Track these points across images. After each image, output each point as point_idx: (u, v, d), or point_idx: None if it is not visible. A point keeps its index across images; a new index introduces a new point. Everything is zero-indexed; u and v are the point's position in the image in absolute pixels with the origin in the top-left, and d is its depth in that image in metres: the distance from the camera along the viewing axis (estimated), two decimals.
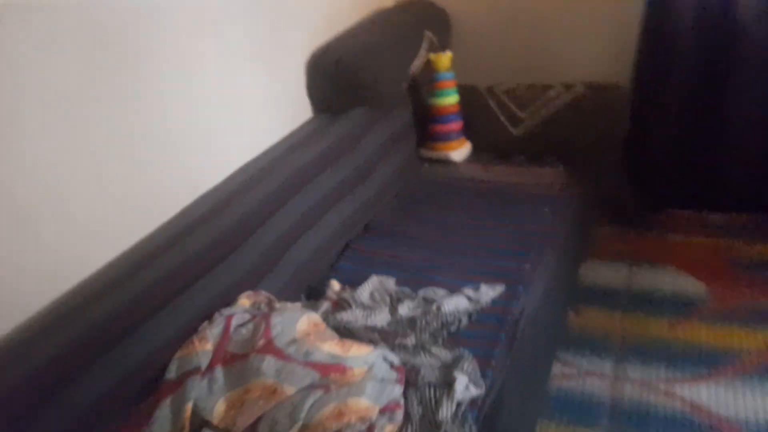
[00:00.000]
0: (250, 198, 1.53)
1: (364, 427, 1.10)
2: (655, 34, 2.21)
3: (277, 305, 1.43)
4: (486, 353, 1.37)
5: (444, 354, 1.35)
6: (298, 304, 1.50)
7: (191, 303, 1.30)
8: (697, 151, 2.34)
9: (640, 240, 2.40)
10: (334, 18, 2.09)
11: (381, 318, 1.48)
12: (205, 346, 1.24)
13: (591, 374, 1.82)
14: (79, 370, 1.09)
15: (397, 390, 1.20)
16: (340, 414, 1.10)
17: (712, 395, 1.69)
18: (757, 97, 2.19)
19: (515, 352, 1.42)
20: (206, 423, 1.12)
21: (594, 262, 2.27)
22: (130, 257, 1.28)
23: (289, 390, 1.15)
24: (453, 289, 1.57)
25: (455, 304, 1.51)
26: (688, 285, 2.12)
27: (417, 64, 2.12)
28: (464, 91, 2.36)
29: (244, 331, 1.29)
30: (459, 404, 1.21)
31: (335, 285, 1.62)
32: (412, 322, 1.47)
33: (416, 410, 1.20)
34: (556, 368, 1.83)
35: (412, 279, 1.65)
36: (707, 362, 1.80)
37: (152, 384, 1.19)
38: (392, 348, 1.34)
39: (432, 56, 2.23)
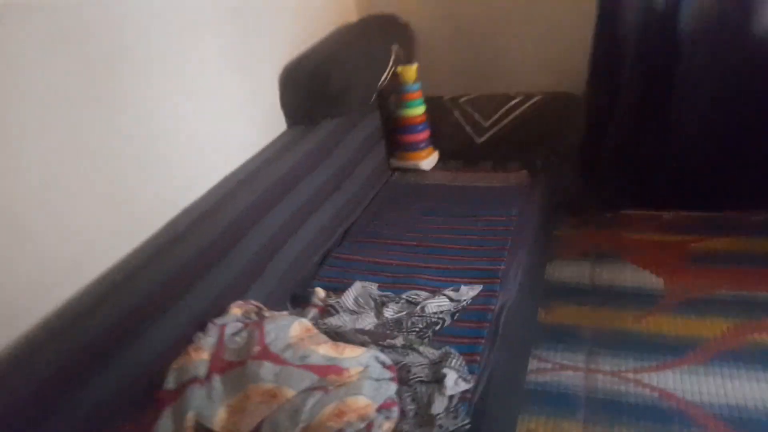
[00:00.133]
0: (231, 210, 1.55)
1: (363, 425, 1.13)
2: (606, 45, 2.33)
3: (267, 314, 1.45)
4: (470, 349, 1.43)
5: (431, 352, 1.39)
6: (285, 313, 1.52)
7: (184, 312, 1.31)
8: (648, 154, 2.45)
9: (600, 239, 2.52)
10: (304, 32, 2.12)
11: (368, 321, 1.53)
12: (201, 355, 1.25)
13: (565, 368, 1.90)
14: (74, 382, 1.09)
15: (393, 388, 1.24)
16: (340, 413, 1.13)
17: (678, 381, 1.79)
18: (701, 101, 2.32)
19: (498, 347, 1.48)
20: (209, 431, 1.13)
21: (559, 261, 2.38)
22: (123, 267, 1.28)
23: (289, 393, 1.17)
24: (434, 291, 1.63)
25: (438, 305, 1.57)
26: (647, 280, 2.24)
27: (386, 76, 2.18)
28: (430, 102, 2.43)
29: (238, 339, 1.31)
30: (451, 398, 1.26)
31: (320, 292, 1.65)
32: (398, 323, 1.52)
33: (410, 407, 1.24)
34: (532, 364, 1.90)
35: (394, 283, 1.70)
36: (672, 351, 1.90)
37: (149, 394, 1.19)
38: (382, 349, 1.38)
39: (399, 68, 2.29)
